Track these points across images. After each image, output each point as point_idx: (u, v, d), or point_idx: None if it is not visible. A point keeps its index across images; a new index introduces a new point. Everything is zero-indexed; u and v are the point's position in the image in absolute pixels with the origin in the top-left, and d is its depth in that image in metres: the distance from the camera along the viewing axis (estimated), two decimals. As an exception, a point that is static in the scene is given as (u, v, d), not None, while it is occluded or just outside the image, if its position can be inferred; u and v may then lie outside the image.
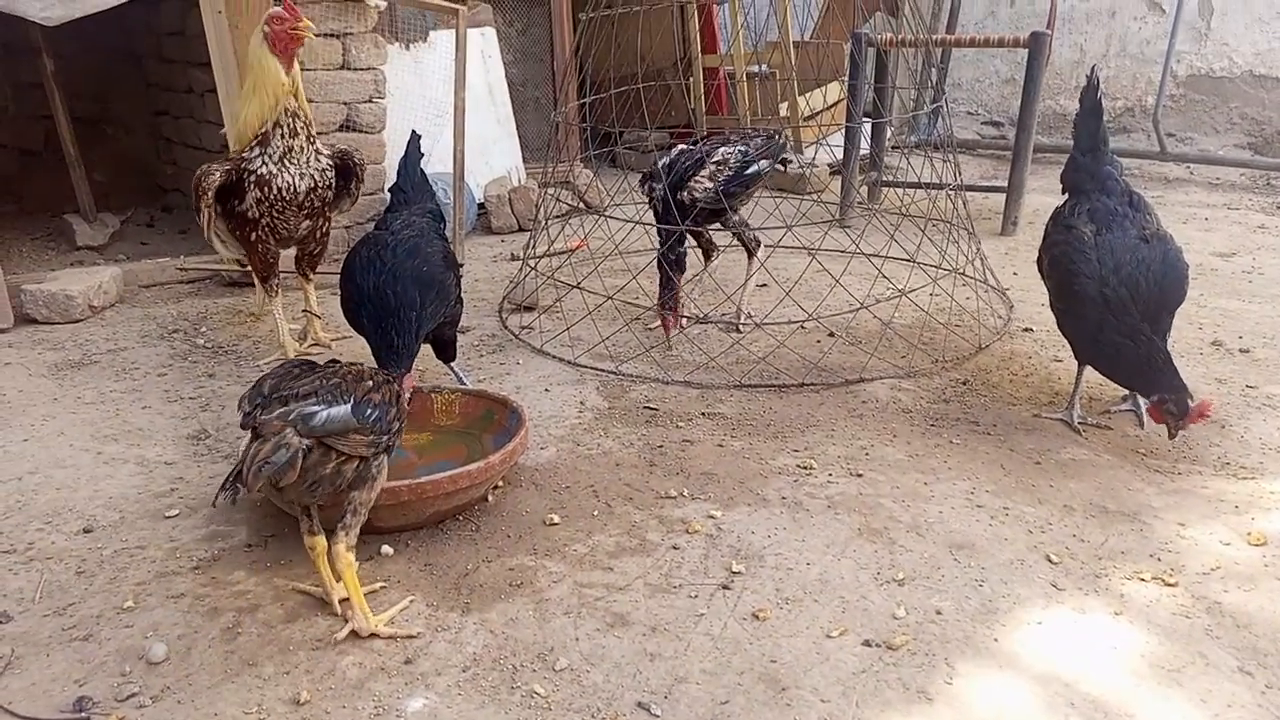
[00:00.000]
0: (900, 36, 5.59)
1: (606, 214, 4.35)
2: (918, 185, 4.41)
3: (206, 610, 2.25)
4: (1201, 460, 2.94)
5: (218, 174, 3.41)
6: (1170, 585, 2.32)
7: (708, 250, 4.18)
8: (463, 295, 3.27)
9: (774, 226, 4.31)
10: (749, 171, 3.86)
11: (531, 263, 4.30)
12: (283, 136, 3.44)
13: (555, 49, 6.73)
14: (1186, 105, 7.55)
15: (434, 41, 5.61)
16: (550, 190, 4.66)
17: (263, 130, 3.44)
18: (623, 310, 4.02)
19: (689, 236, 3.92)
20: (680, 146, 3.99)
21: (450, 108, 4.95)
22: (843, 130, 6.08)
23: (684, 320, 4.03)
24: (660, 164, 3.88)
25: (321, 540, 2.20)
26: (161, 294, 4.58)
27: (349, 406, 2.13)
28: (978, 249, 4.32)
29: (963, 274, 4.24)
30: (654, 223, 3.90)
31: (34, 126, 5.97)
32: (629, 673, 2.04)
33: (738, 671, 2.04)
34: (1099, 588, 2.32)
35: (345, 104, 4.86)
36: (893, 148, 6.44)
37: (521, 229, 5.61)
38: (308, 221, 3.63)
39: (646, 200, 3.96)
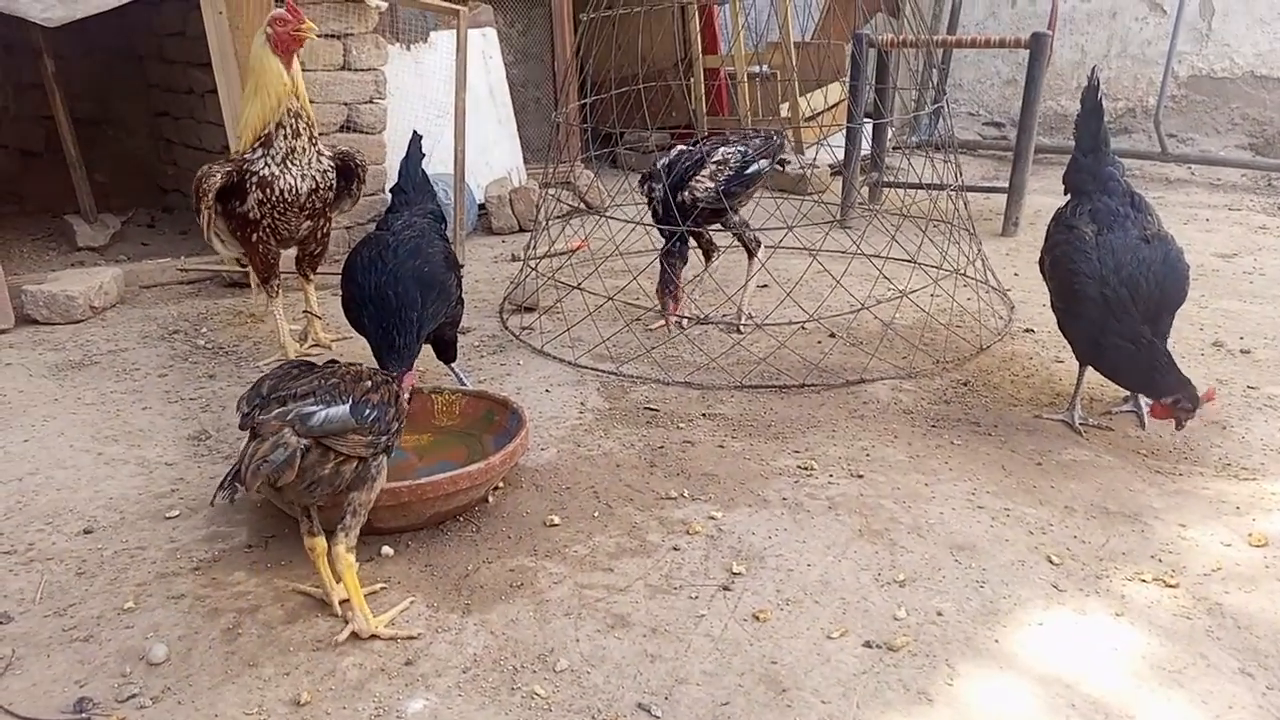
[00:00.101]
0: (901, 37, 5.60)
1: (607, 214, 4.35)
2: (919, 186, 4.41)
3: (207, 611, 2.25)
4: (1203, 461, 2.94)
5: (218, 175, 3.41)
6: (1171, 586, 2.32)
7: (708, 251, 4.18)
8: (463, 296, 3.27)
9: (775, 227, 4.31)
10: (749, 171, 3.87)
11: (532, 263, 4.30)
12: (286, 138, 3.44)
13: (556, 49, 6.74)
14: (1188, 106, 7.55)
15: (435, 42, 5.61)
16: (551, 191, 4.67)
17: (265, 131, 3.44)
18: (623, 311, 4.02)
19: (690, 237, 3.93)
20: (680, 147, 4.00)
21: (451, 108, 4.95)
22: (844, 131, 6.09)
23: (684, 321, 4.03)
24: (660, 164, 3.88)
25: (321, 541, 2.20)
26: (162, 295, 4.58)
27: (347, 406, 2.14)
28: (979, 250, 4.32)
29: (964, 275, 4.23)
30: (654, 224, 3.90)
31: (35, 127, 5.96)
32: (629, 674, 2.04)
33: (738, 673, 2.04)
34: (1100, 589, 2.32)
35: (346, 105, 4.86)
36: (894, 148, 6.44)
37: (522, 229, 5.61)
38: (309, 222, 3.63)
39: (646, 201, 3.97)
